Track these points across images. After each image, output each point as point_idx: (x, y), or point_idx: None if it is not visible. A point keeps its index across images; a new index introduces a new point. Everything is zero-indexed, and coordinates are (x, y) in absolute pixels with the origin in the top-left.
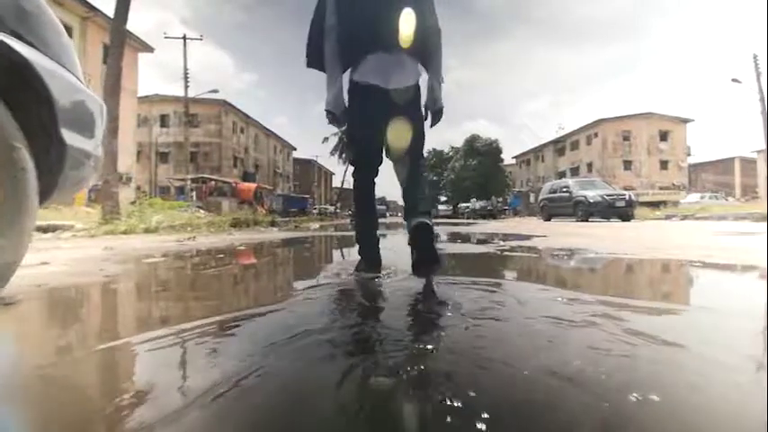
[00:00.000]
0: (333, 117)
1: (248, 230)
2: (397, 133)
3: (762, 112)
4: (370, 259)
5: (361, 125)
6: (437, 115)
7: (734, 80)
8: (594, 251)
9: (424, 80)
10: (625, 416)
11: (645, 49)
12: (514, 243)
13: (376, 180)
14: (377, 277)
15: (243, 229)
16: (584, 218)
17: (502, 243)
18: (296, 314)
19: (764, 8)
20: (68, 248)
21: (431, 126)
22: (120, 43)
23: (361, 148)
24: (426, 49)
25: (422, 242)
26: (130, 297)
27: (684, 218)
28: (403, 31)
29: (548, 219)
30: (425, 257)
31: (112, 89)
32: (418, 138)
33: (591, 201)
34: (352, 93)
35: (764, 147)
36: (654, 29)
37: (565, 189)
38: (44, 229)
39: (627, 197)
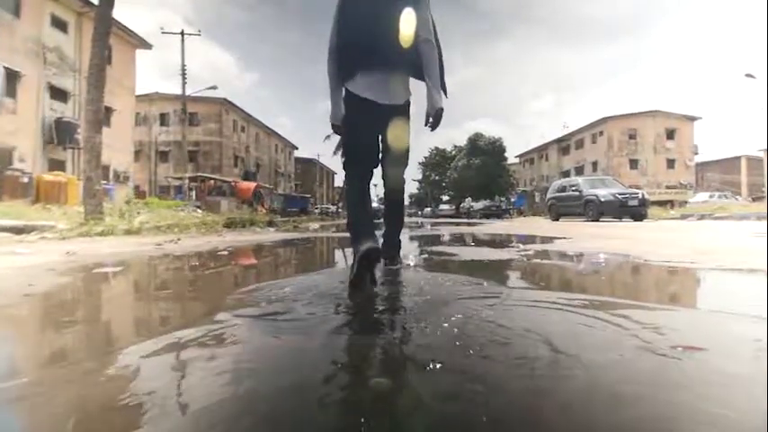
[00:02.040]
0: (338, 129)
1: (242, 231)
2: (387, 142)
3: None
4: (367, 236)
5: (355, 131)
6: (437, 118)
7: (748, 75)
8: (641, 257)
9: (416, 96)
10: None
11: (648, 47)
12: (539, 247)
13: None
14: (374, 249)
15: (237, 229)
16: (596, 217)
17: (522, 246)
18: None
19: (765, 7)
20: (25, 253)
21: (432, 129)
22: (105, 31)
23: (355, 152)
24: (422, 63)
25: (389, 248)
26: (9, 330)
27: (702, 217)
28: (397, 49)
29: (556, 218)
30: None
31: (97, 80)
32: (404, 150)
33: (602, 200)
34: (347, 102)
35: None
36: (658, 26)
37: (574, 188)
38: (19, 230)
39: (640, 196)
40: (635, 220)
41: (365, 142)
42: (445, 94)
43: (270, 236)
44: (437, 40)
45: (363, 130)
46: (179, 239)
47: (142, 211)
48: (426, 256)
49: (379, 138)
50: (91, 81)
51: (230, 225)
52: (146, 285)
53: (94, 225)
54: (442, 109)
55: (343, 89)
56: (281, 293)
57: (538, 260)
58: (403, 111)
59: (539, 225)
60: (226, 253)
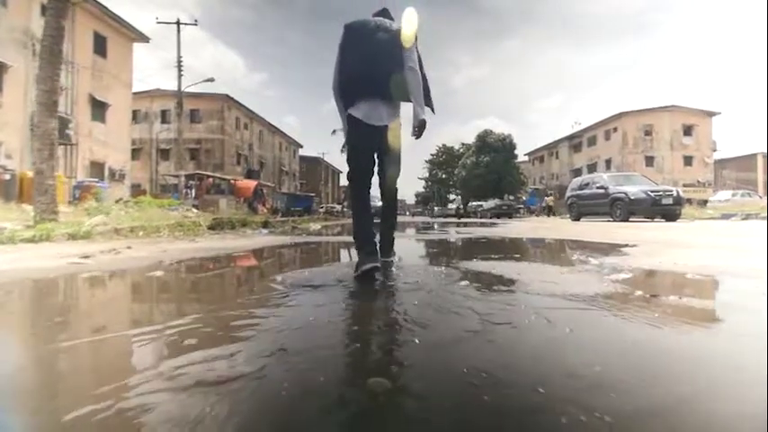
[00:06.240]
0: None
1: (228, 234)
2: (381, 156)
3: None
4: (368, 252)
5: (356, 148)
6: (420, 128)
7: None
8: None
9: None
10: None
11: (656, 44)
12: (615, 261)
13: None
14: (375, 268)
15: (224, 231)
16: (625, 217)
17: (594, 261)
18: None
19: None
20: None
21: (416, 138)
22: None
23: (358, 166)
24: (408, 88)
25: (385, 244)
26: None
27: (747, 217)
28: (387, 80)
29: (577, 218)
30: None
31: (50, 54)
32: (396, 160)
33: (632, 198)
34: (349, 124)
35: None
36: (667, 22)
37: (599, 185)
38: None
39: (674, 194)
40: (667, 221)
41: (364, 157)
42: (432, 110)
43: (256, 240)
44: (422, 68)
45: (362, 146)
46: (129, 247)
47: (131, 210)
48: (472, 285)
49: (376, 152)
50: (43, 55)
51: (216, 227)
52: None
53: (24, 230)
54: (424, 120)
55: (347, 113)
56: None
57: (682, 300)
58: (394, 129)
59: (561, 226)
60: (157, 274)
